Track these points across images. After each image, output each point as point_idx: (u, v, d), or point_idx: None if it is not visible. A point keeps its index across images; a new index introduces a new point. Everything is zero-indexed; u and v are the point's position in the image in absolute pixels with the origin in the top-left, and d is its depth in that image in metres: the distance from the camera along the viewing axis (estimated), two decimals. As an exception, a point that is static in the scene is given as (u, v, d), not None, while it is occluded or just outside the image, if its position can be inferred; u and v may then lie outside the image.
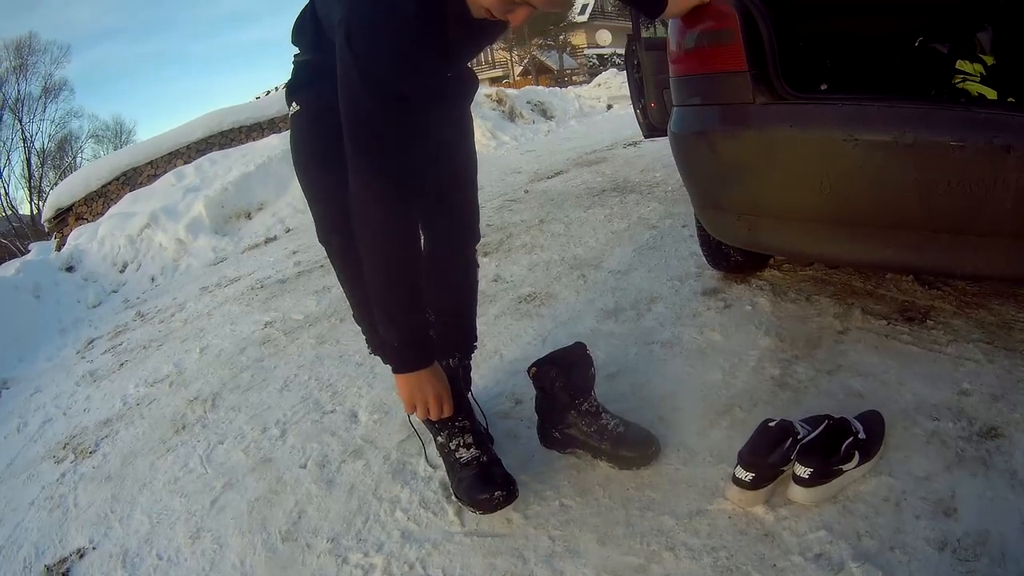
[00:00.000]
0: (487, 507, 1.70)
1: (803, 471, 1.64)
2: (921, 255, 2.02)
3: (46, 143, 36.08)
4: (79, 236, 6.18)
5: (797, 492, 1.66)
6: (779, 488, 1.68)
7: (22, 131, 34.72)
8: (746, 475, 1.66)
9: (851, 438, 1.68)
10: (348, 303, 2.02)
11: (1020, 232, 1.81)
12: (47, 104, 35.88)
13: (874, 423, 1.81)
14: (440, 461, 1.91)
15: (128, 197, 6.70)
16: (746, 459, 1.67)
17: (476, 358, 2.38)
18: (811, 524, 1.59)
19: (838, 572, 1.46)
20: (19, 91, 34.69)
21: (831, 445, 1.66)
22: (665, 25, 2.41)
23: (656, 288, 2.95)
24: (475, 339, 2.13)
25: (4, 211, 33.18)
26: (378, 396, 2.47)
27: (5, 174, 35.27)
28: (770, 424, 1.69)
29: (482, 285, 3.19)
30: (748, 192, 2.20)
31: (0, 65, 33.90)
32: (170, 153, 8.48)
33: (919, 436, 1.81)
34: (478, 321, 2.22)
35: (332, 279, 3.80)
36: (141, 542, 1.92)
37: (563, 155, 6.81)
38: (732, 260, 2.86)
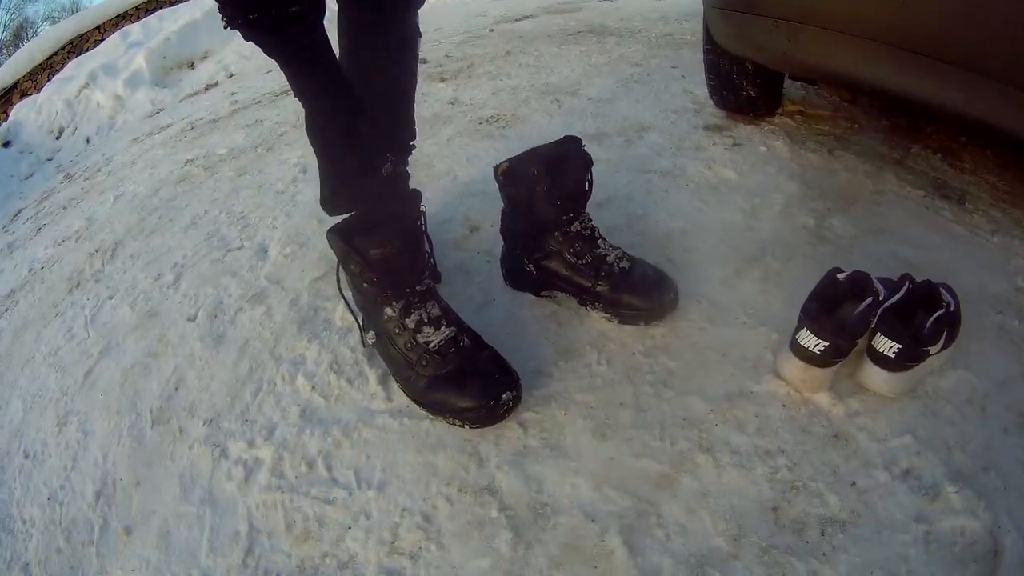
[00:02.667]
0: (486, 419, 1.12)
1: (889, 346, 1.14)
2: (945, 89, 1.44)
3: (1, 33, 34.76)
4: (19, 110, 5.50)
5: (877, 377, 1.17)
6: (846, 369, 1.18)
7: None
8: (816, 343, 1.13)
9: (943, 310, 1.18)
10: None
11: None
12: None
13: (954, 298, 1.30)
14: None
15: (72, 63, 5.94)
16: (816, 318, 1.14)
17: (423, 179, 1.92)
18: (893, 426, 1.13)
19: (932, 499, 1.03)
20: None
21: (920, 316, 1.18)
22: None
23: (647, 117, 2.31)
24: (413, 136, 1.48)
25: None
26: (295, 226, 1.89)
27: None
28: (838, 275, 1.20)
29: (436, 107, 2.67)
30: None
31: None
32: (119, 16, 7.60)
33: (988, 328, 1.35)
34: (428, 143, 1.81)
35: (266, 112, 3.31)
36: (11, 437, 1.48)
37: (534, 3, 6.03)
38: (743, 94, 2.28)
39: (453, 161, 2.10)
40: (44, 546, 1.14)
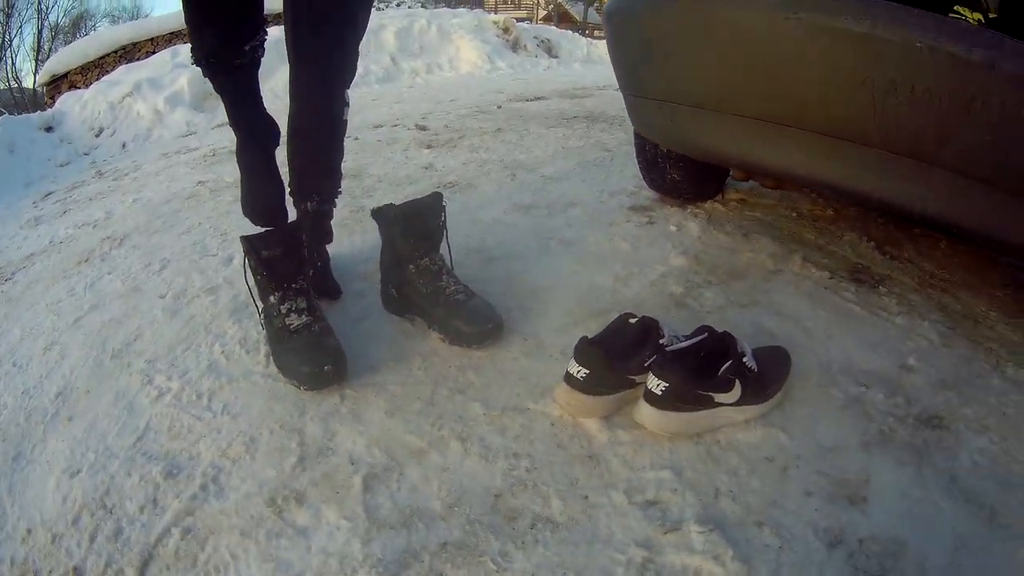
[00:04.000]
0: (313, 383, 1.48)
1: (657, 384, 1.25)
2: (872, 179, 1.62)
3: (60, 18, 34.70)
4: (66, 101, 5.98)
5: (645, 412, 1.28)
6: (629, 405, 1.34)
7: (38, 3, 33.79)
8: (580, 370, 1.29)
9: (732, 360, 1.28)
10: None
11: (999, 174, 1.42)
12: None
13: (774, 361, 1.42)
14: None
15: (121, 68, 6.44)
16: (584, 350, 1.30)
17: (367, 226, 2.29)
18: (655, 460, 1.25)
19: (669, 531, 1.12)
20: None
21: (704, 362, 1.29)
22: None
23: (582, 195, 2.67)
24: (339, 185, 1.92)
25: (8, 82, 32.34)
26: None
27: (15, 45, 34.71)
28: (631, 319, 1.35)
29: (410, 170, 3.13)
30: (671, 73, 1.88)
31: None
32: (172, 33, 8.19)
33: (835, 399, 1.45)
34: (389, 197, 2.21)
35: (282, 152, 3.70)
36: (6, 351, 1.89)
37: (552, 86, 6.45)
38: (668, 178, 2.47)
39: None
40: (8, 421, 1.53)
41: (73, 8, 35.67)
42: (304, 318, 1.57)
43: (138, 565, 1.10)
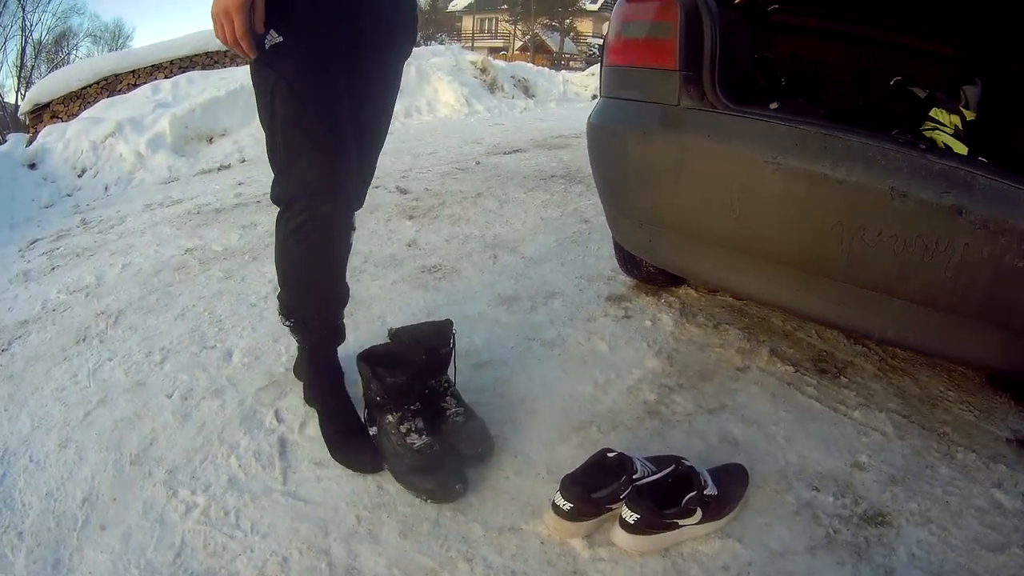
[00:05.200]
0: (442, 499, 1.65)
1: (630, 515, 1.47)
2: (836, 308, 1.81)
3: (44, 35, 34.88)
4: (49, 134, 6.02)
5: (620, 536, 1.50)
6: (606, 525, 1.55)
7: (23, 19, 33.46)
8: (564, 504, 1.50)
9: (695, 492, 1.49)
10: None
11: (957, 306, 1.61)
12: None
13: (733, 480, 1.63)
14: (315, 428, 1.90)
15: (104, 102, 6.52)
16: (568, 487, 1.51)
17: (360, 319, 2.48)
18: (629, 573, 1.46)
19: None
20: None
21: (670, 494, 1.50)
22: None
23: (561, 283, 2.85)
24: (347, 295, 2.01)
25: None
26: (257, 340, 2.45)
27: None
28: (609, 455, 1.55)
29: (395, 247, 3.31)
30: (653, 200, 2.03)
31: None
32: (153, 65, 8.27)
33: (789, 505, 1.63)
34: (376, 284, 2.51)
35: (262, 216, 3.89)
36: (20, 443, 1.95)
37: (529, 134, 6.71)
38: (644, 269, 2.66)
39: (388, 306, 2.65)
40: (38, 524, 1.59)
41: (56, 26, 35.46)
42: (425, 438, 1.71)
43: None
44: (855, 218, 1.64)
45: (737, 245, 1.88)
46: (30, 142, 6.25)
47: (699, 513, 1.50)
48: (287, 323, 1.89)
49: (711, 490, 1.52)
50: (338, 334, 1.95)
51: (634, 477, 1.52)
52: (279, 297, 1.89)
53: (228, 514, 1.66)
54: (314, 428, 1.92)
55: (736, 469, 1.68)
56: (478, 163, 5.40)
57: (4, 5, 32.86)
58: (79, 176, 5.50)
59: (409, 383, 1.73)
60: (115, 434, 1.98)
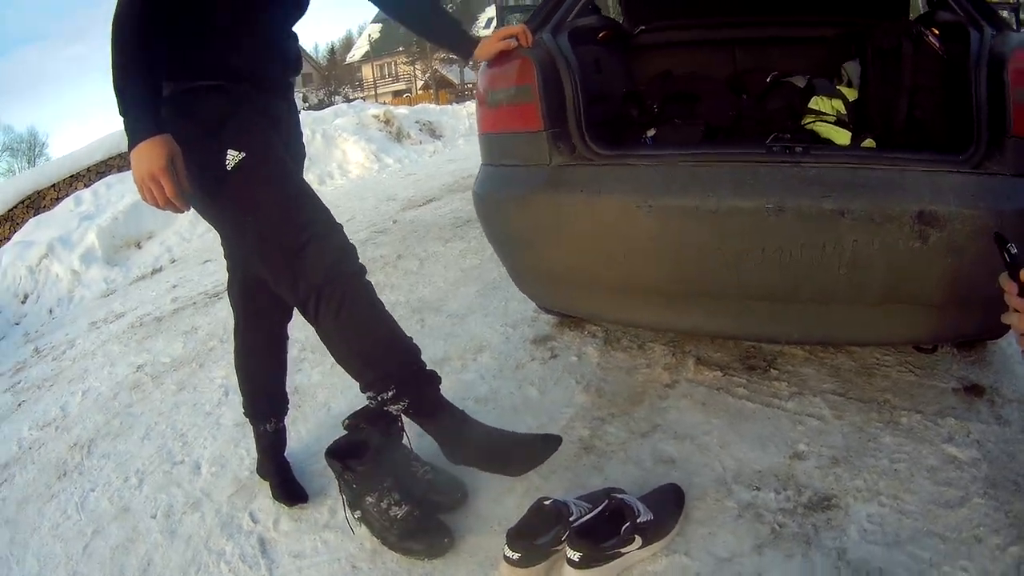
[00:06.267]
0: (435, 554, 1.79)
1: (573, 554, 1.55)
2: (738, 324, 1.87)
3: None
4: None
5: (569, 573, 1.58)
6: (558, 564, 1.62)
7: None
8: (513, 554, 1.60)
9: (629, 522, 1.57)
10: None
11: (857, 296, 1.65)
12: None
13: (666, 501, 1.71)
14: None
15: (32, 223, 6.54)
16: (513, 539, 1.61)
17: (308, 410, 2.67)
18: None
19: None
20: None
21: (607, 528, 1.58)
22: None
23: (487, 335, 2.94)
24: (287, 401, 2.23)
25: None
26: (218, 449, 2.59)
27: None
28: (545, 504, 1.64)
29: None
30: (543, 259, 2.07)
31: None
32: (71, 176, 8.24)
33: (731, 510, 1.67)
34: (317, 371, 2.62)
35: (201, 319, 4.07)
36: None
37: (441, 180, 6.85)
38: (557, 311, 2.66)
39: (330, 392, 2.76)
40: None
41: None
42: (404, 507, 1.83)
43: None
44: (736, 242, 1.65)
45: (630, 286, 1.91)
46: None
47: (638, 539, 1.57)
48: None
49: (645, 516, 1.59)
50: None
51: (571, 520, 1.60)
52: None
53: None
54: (286, 522, 2.07)
55: (669, 489, 1.75)
56: (395, 221, 5.54)
57: None
58: (23, 303, 5.55)
59: (377, 464, 1.87)
60: (114, 562, 2.15)
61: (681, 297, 1.88)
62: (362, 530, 1.92)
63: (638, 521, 1.58)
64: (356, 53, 53.03)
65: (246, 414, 2.20)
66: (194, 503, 2.36)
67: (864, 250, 1.56)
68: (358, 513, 1.91)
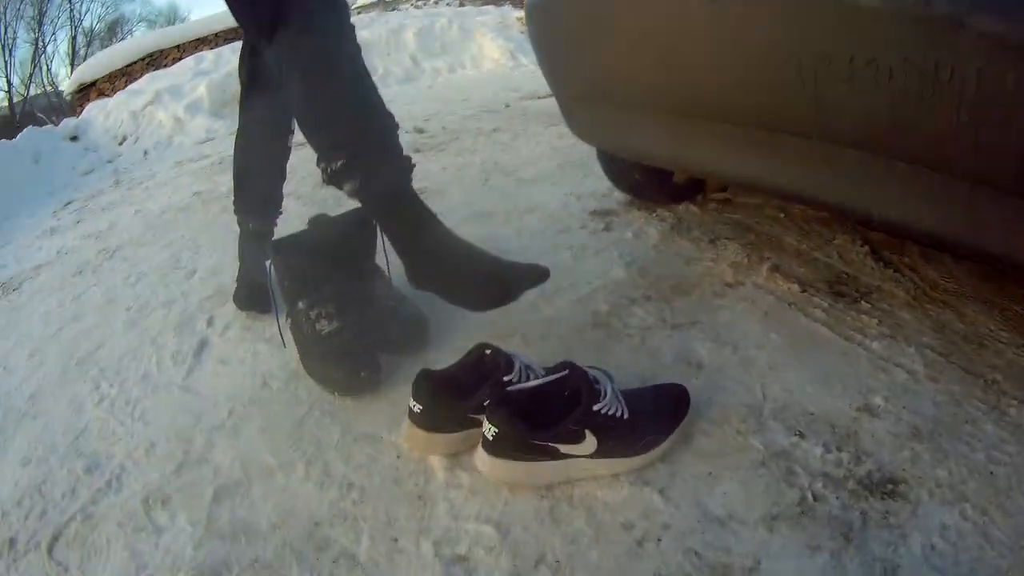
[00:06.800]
0: (350, 389, 1.54)
1: (488, 429, 1.13)
2: (817, 177, 1.35)
3: (95, 24, 35.05)
4: (91, 109, 6.40)
5: (479, 457, 1.17)
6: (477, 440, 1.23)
7: (70, 9, 34.34)
8: (415, 405, 1.26)
9: (581, 408, 1.12)
10: None
11: (987, 172, 1.03)
12: None
13: (663, 403, 1.23)
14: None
15: (147, 76, 6.82)
16: (420, 384, 1.26)
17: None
18: (483, 510, 1.15)
19: None
20: None
21: (548, 407, 1.15)
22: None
23: (546, 199, 2.63)
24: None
25: (44, 87, 33.12)
26: (222, 260, 2.54)
27: (50, 51, 35.10)
28: (485, 352, 1.26)
29: None
30: (587, 71, 1.75)
31: None
32: (198, 39, 8.42)
33: (753, 451, 1.18)
34: None
35: None
36: (1, 357, 2.20)
37: None
38: (632, 179, 2.32)
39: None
40: None
41: (107, 15, 36.46)
42: (335, 323, 1.60)
43: (49, 540, 1.31)
44: (813, 43, 1.14)
45: (678, 107, 1.52)
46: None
47: (590, 440, 1.11)
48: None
49: (612, 409, 1.13)
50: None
51: (506, 379, 1.20)
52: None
53: (128, 404, 1.73)
54: (235, 330, 2.00)
55: (669, 391, 1.26)
56: (507, 105, 5.24)
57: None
58: (119, 144, 5.78)
59: (318, 264, 1.64)
60: (74, 343, 2.15)
61: (742, 126, 1.38)
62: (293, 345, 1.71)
63: (599, 412, 1.13)
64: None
65: (235, 211, 2.08)
66: (168, 301, 2.32)
67: (993, 90, 0.94)
68: (288, 320, 1.71)
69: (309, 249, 1.69)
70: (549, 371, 1.23)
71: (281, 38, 1.49)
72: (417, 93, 6.41)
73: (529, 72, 7.58)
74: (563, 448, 1.12)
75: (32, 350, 2.16)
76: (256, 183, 2.03)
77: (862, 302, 1.63)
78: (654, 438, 1.17)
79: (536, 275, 1.53)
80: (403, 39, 7.71)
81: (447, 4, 9.81)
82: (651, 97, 1.58)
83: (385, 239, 1.64)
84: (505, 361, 1.24)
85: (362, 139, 1.55)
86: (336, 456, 1.36)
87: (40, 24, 33.05)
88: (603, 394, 1.14)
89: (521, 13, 9.02)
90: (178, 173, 4.41)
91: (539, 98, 5.40)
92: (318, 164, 1.57)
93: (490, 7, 9.77)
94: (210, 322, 2.07)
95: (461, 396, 1.25)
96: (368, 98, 1.57)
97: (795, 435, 1.20)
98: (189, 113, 5.80)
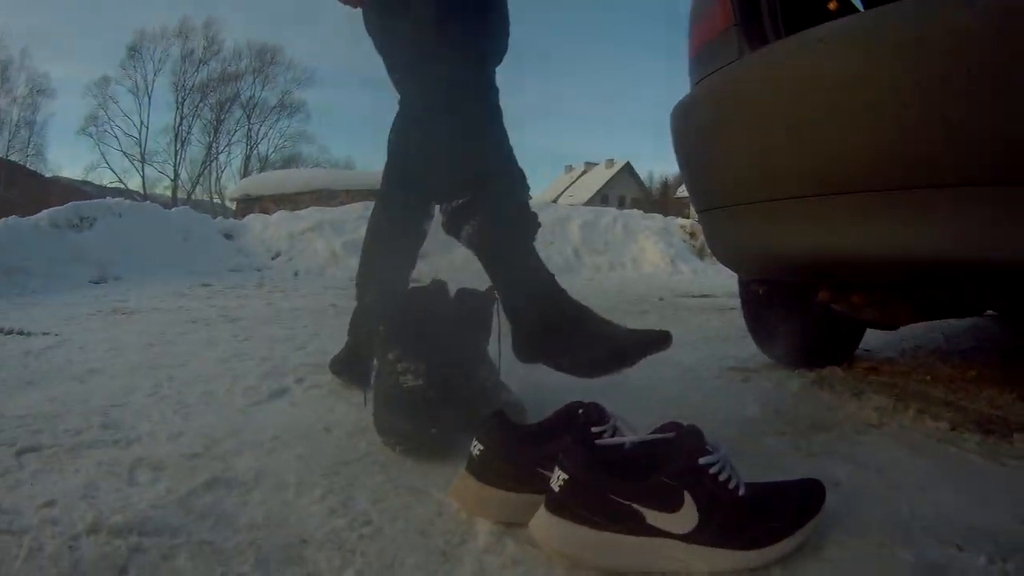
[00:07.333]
0: (416, 444, 1.32)
1: (558, 479, 0.87)
2: (950, 237, 1.18)
3: (270, 152, 39.49)
4: (252, 219, 6.96)
5: (537, 519, 0.89)
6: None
7: (248, 128, 38.29)
8: (476, 444, 1.03)
9: (683, 459, 0.87)
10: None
11: None
12: (280, 117, 40.05)
13: (790, 493, 0.97)
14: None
15: (312, 208, 7.30)
16: (488, 423, 1.04)
17: None
18: None
19: None
20: (254, 93, 38.86)
21: (642, 463, 0.91)
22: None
23: (684, 357, 2.35)
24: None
25: (211, 194, 36.96)
26: (330, 347, 2.27)
27: (222, 160, 39.24)
28: (579, 411, 1.02)
29: None
30: (734, 162, 1.65)
31: (241, 61, 38.61)
32: (367, 189, 8.77)
33: (902, 563, 0.94)
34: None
35: None
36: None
37: (730, 288, 6.36)
38: (777, 332, 2.16)
39: None
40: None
41: (284, 146, 40.12)
42: (420, 381, 1.43)
43: (21, 449, 1.32)
44: (920, 65, 1.11)
45: (827, 183, 1.37)
46: (232, 221, 6.93)
47: (690, 510, 0.84)
48: None
49: (725, 475, 0.88)
50: None
51: (594, 431, 0.97)
52: None
53: (178, 405, 1.70)
54: (322, 390, 1.90)
55: (800, 482, 1.02)
56: (661, 299, 5.18)
57: (228, 110, 37.79)
58: (272, 258, 6.17)
59: (423, 323, 1.51)
60: (156, 355, 2.31)
61: (869, 191, 1.27)
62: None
63: (706, 471, 0.87)
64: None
65: (357, 283, 1.97)
66: (266, 358, 2.31)
67: None
68: (374, 374, 1.57)
69: (418, 305, 1.55)
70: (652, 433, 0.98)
71: (431, 96, 1.56)
72: (576, 284, 6.34)
73: (687, 278, 7.72)
74: (651, 516, 0.84)
75: (115, 348, 2.36)
76: (382, 260, 1.93)
77: (1015, 436, 1.52)
78: (775, 528, 0.89)
79: (658, 339, 1.40)
80: (568, 230, 7.95)
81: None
82: (793, 180, 1.46)
83: (499, 323, 1.55)
84: (597, 412, 1.01)
85: (487, 184, 1.52)
86: (365, 495, 1.13)
87: (216, 130, 36.82)
88: (717, 455, 0.88)
89: (684, 221, 9.16)
90: (323, 289, 4.62)
91: (692, 296, 5.46)
92: (439, 207, 1.56)
93: (656, 214, 10.05)
94: (299, 380, 1.98)
95: (533, 444, 1.03)
96: (501, 150, 1.58)
97: (952, 547, 0.99)
98: (347, 250, 6.06)
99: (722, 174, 1.73)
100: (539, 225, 1.59)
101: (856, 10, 2.07)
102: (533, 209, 1.61)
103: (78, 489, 1.12)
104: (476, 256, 1.57)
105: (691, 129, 1.82)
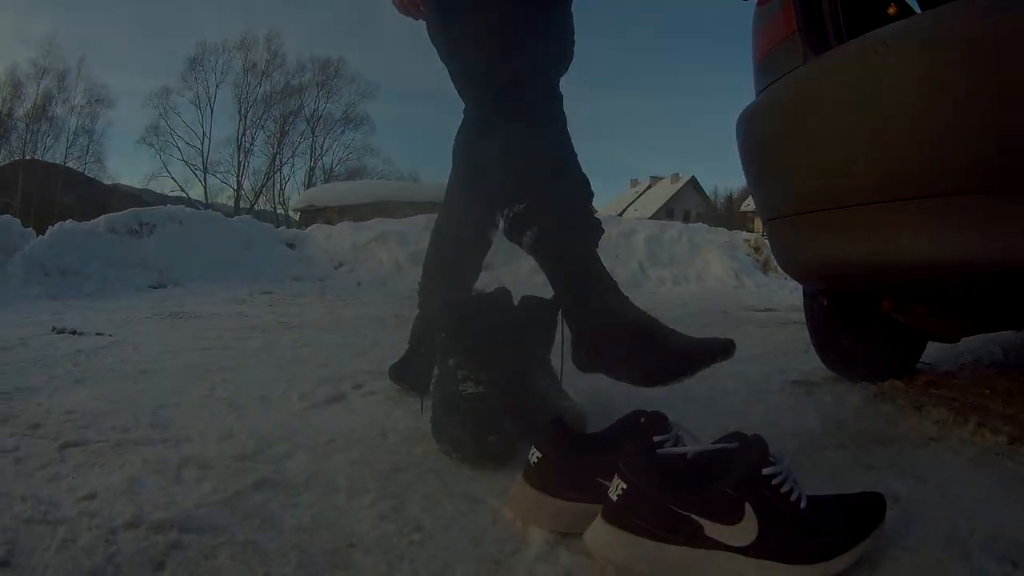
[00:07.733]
0: (476, 452, 1.31)
1: (616, 486, 0.86)
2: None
3: (335, 164, 39.58)
4: (315, 229, 7.05)
5: (592, 529, 0.88)
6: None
7: (312, 140, 38.53)
8: (534, 452, 1.02)
9: (746, 468, 0.86)
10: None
11: None
12: (344, 130, 40.12)
13: (850, 506, 0.96)
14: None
15: (376, 220, 7.36)
16: (548, 429, 1.03)
17: None
18: None
19: None
20: (317, 106, 39.04)
21: (704, 474, 0.89)
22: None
23: (745, 370, 2.30)
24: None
25: (274, 205, 37.25)
26: (391, 355, 2.79)
27: (286, 172, 39.60)
28: (640, 419, 1.01)
29: None
30: (798, 170, 1.64)
31: (304, 74, 38.86)
32: (431, 202, 8.82)
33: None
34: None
35: None
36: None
37: (792, 302, 6.15)
38: (840, 345, 2.14)
39: None
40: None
41: (348, 159, 40.15)
42: (481, 389, 1.41)
43: (64, 443, 1.34)
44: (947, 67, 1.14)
45: (893, 187, 1.35)
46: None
47: (751, 521, 0.83)
48: None
49: (788, 487, 0.87)
50: None
51: (656, 439, 0.96)
52: None
53: (231, 407, 1.71)
54: (380, 396, 1.89)
55: (860, 496, 1.00)
56: (725, 312, 5.11)
57: (291, 122, 38.14)
58: (335, 268, 6.24)
59: (484, 330, 1.48)
60: (211, 358, 2.33)
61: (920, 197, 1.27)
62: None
63: (768, 482, 0.86)
64: (751, 203, 53.65)
65: (419, 291, 1.97)
66: (323, 364, 2.32)
67: None
68: (434, 380, 1.55)
69: (481, 311, 1.52)
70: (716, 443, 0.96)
71: (495, 103, 1.55)
72: (640, 298, 6.24)
73: (751, 292, 7.53)
74: (709, 527, 0.83)
75: (170, 350, 2.39)
76: (445, 268, 1.93)
77: (1075, 452, 1.49)
78: (834, 542, 0.87)
79: (722, 347, 1.37)
80: (633, 243, 7.89)
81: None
82: (855, 185, 1.43)
83: (562, 331, 1.53)
84: (659, 421, 1.00)
85: (549, 189, 1.51)
86: (417, 501, 1.13)
87: (279, 142, 37.31)
88: (779, 465, 0.87)
89: (749, 235, 9.01)
90: (385, 299, 4.62)
91: (756, 310, 5.34)
92: (500, 211, 1.55)
93: (721, 228, 9.95)
94: (357, 386, 1.97)
95: (592, 452, 1.02)
96: (565, 156, 1.58)
97: (1009, 564, 0.99)
98: (410, 261, 6.10)
99: (786, 181, 1.72)
100: (602, 231, 1.57)
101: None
102: (596, 217, 1.60)
103: (120, 484, 1.13)
104: (537, 263, 1.56)
105: (756, 136, 1.81)
